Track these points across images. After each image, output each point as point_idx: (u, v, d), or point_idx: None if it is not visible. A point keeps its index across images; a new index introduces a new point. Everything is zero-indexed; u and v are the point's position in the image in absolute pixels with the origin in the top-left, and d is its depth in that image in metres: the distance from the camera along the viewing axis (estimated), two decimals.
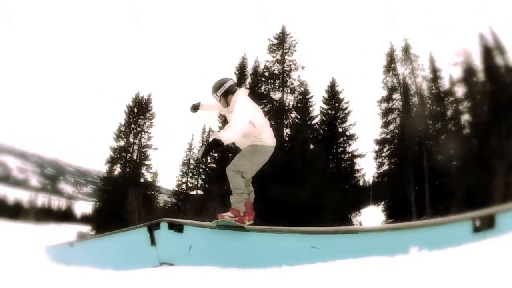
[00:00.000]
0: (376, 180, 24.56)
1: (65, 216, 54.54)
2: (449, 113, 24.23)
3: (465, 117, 23.43)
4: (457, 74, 23.42)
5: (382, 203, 24.47)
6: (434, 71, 26.11)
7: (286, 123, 21.89)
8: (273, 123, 21.76)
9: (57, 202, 59.41)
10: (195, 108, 3.89)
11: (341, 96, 27.82)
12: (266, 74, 22.75)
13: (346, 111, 27.57)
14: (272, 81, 22.66)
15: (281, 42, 24.02)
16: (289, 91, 22.10)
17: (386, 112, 23.83)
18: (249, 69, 25.71)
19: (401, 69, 26.31)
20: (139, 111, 27.12)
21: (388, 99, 24.52)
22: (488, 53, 22.41)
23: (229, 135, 3.19)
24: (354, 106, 27.42)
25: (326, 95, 27.67)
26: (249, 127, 3.35)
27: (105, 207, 26.17)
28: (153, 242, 3.81)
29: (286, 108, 21.89)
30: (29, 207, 49.93)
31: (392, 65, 26.17)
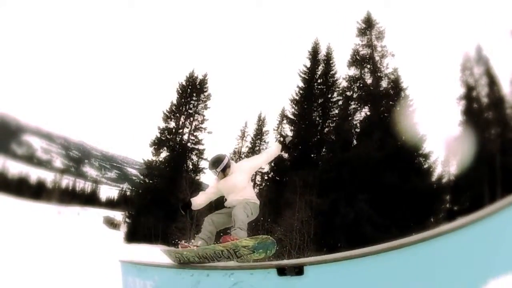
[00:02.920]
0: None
1: (90, 199, 53.36)
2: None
3: None
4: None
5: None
6: (491, 76, 26.03)
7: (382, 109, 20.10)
8: (367, 107, 20.24)
9: (81, 185, 58.24)
10: (186, 206, 3.88)
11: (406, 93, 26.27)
12: (357, 57, 21.09)
13: (410, 110, 26.12)
14: (364, 64, 21.02)
15: (368, 27, 22.43)
16: (377, 76, 20.37)
17: (466, 111, 22.37)
18: (322, 55, 24.30)
19: (475, 69, 26.22)
20: (192, 91, 25.27)
21: (467, 97, 23.20)
22: None
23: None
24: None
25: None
26: (243, 186, 3.66)
27: (147, 192, 24.16)
28: None
29: (381, 94, 20.14)
30: (52, 188, 48.89)
31: (469, 64, 25.30)
